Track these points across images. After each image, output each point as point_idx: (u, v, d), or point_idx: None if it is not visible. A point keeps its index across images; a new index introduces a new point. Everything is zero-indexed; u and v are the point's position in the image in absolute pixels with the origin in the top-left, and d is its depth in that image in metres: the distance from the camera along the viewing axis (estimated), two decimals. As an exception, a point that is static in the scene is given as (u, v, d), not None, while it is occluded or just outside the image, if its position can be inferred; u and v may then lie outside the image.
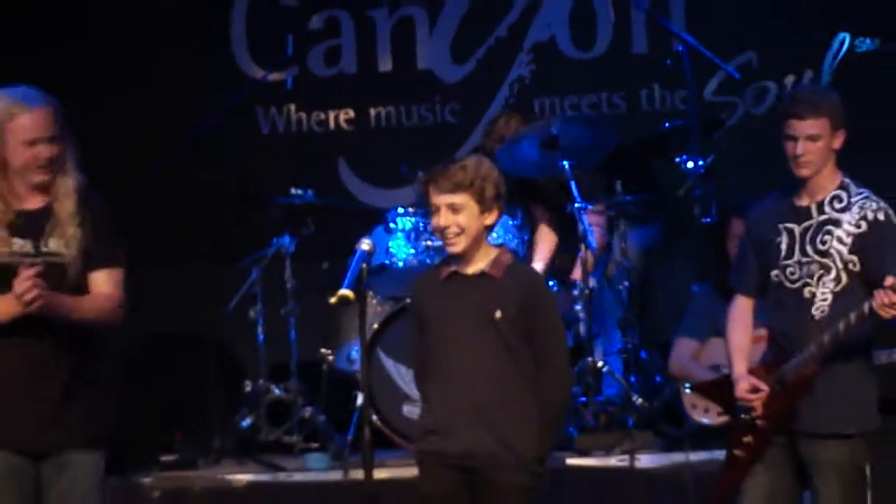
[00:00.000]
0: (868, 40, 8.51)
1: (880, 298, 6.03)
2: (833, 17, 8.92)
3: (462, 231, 5.91)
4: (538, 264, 8.62)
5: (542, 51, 9.73)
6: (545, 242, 8.70)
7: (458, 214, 5.90)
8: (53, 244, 6.11)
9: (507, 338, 5.91)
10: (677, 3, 9.64)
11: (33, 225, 6.11)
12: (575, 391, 8.26)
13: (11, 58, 8.56)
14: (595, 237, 8.45)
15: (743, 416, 6.42)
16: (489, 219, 5.96)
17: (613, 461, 8.01)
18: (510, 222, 8.51)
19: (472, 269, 5.99)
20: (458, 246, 5.92)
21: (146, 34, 9.70)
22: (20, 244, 6.07)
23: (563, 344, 6.20)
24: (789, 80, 9.07)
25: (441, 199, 5.91)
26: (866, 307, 6.08)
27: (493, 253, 6.06)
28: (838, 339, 6.16)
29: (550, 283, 8.45)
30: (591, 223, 8.47)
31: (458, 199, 5.90)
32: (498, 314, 5.90)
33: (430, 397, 6.06)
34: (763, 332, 6.52)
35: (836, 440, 6.28)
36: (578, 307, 8.50)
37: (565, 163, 8.46)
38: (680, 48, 8.89)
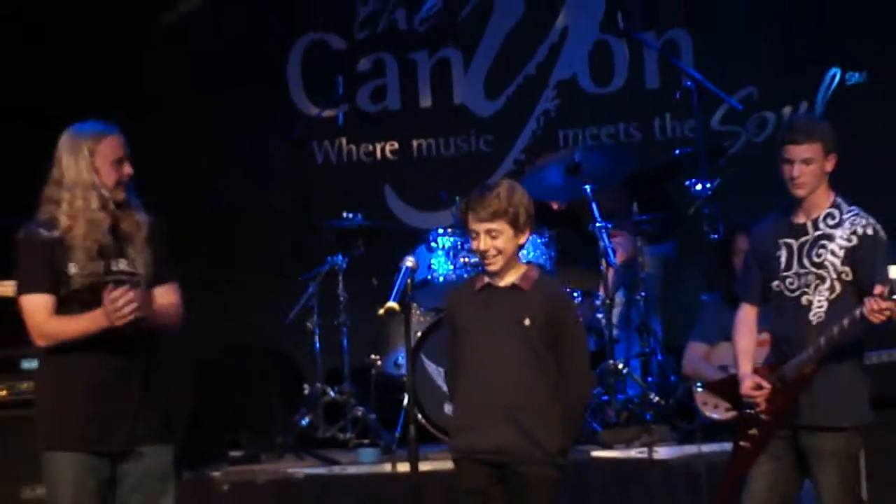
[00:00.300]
0: (856, 74, 8.50)
1: (870, 305, 6.03)
2: (825, 54, 8.91)
3: (500, 252, 5.92)
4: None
5: (565, 87, 9.72)
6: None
7: (496, 238, 5.91)
8: (130, 263, 6.11)
9: (534, 344, 5.89)
10: (685, 43, 9.62)
11: (110, 246, 6.10)
12: (598, 391, 8.31)
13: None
14: (616, 253, 8.45)
15: (748, 411, 6.41)
16: (522, 239, 5.97)
17: (633, 453, 7.98)
18: (538, 240, 8.48)
19: (504, 282, 5.99)
20: (496, 265, 5.93)
21: (212, 76, 9.70)
22: (105, 264, 6.07)
23: (585, 350, 6.19)
24: (786, 110, 9.06)
25: (480, 226, 5.92)
26: (858, 313, 6.08)
27: (523, 268, 6.06)
28: (833, 342, 6.16)
29: (575, 293, 8.44)
30: (613, 241, 8.48)
31: (496, 225, 5.91)
32: (527, 322, 5.89)
33: (461, 397, 6.06)
34: (766, 336, 6.51)
35: (833, 432, 6.26)
36: (600, 315, 8.48)
37: (587, 187, 8.46)
38: (688, 83, 8.80)
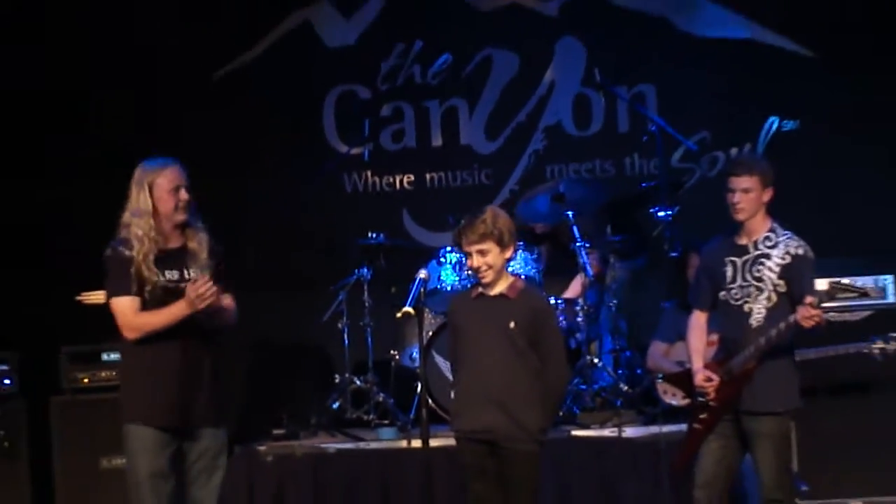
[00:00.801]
0: (791, 122, 8.51)
1: (802, 312, 6.10)
2: (766, 105, 8.91)
3: (490, 267, 5.97)
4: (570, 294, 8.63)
5: (551, 131, 9.69)
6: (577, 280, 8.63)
7: (486, 256, 5.96)
8: (193, 273, 6.18)
9: (518, 343, 5.92)
10: (651, 95, 9.59)
11: (176, 260, 6.19)
12: (577, 381, 8.28)
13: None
14: (591, 267, 8.44)
15: (700, 399, 6.45)
16: (508, 254, 6.01)
17: (606, 432, 7.94)
18: (529, 256, 8.50)
19: (494, 292, 6.03)
20: (487, 278, 5.98)
21: (262, 119, 9.71)
22: (171, 274, 6.16)
23: (562, 347, 6.21)
24: (733, 151, 9.05)
25: (472, 248, 5.98)
26: (792, 319, 6.15)
27: (511, 280, 6.11)
28: (771, 343, 6.22)
29: (557, 301, 8.43)
30: (590, 257, 8.48)
31: (484, 245, 5.96)
32: (512, 325, 5.93)
33: (459, 386, 6.08)
34: (715, 337, 6.57)
35: (770, 416, 6.31)
36: (580, 319, 8.45)
37: (569, 213, 8.47)
38: (653, 128, 8.73)
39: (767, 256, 6.31)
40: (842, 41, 9.18)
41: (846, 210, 8.84)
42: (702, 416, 6.44)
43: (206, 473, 6.30)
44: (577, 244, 8.39)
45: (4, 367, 8.50)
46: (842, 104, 9.08)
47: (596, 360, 8.45)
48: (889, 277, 7.98)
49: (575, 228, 8.43)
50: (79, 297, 6.70)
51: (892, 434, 7.92)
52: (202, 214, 6.34)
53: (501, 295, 6.04)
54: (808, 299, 6.10)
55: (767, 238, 6.35)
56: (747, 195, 6.32)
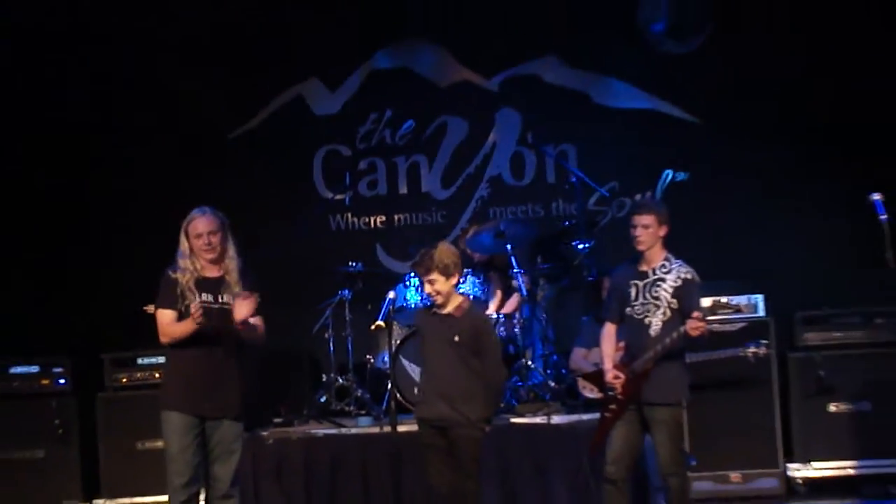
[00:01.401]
0: (682, 174, 8.52)
1: (690, 324, 6.18)
2: (662, 161, 8.94)
3: (439, 293, 6.06)
4: (491, 308, 8.57)
5: (494, 181, 9.66)
6: (497, 296, 8.67)
7: (434, 285, 6.05)
8: (226, 297, 6.27)
9: (462, 352, 6.03)
10: (572, 153, 9.55)
11: (213, 286, 6.29)
12: (515, 380, 8.27)
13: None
14: (525, 289, 8.42)
15: (611, 393, 6.49)
16: (453, 280, 6.11)
17: (538, 420, 7.91)
18: (477, 280, 8.54)
19: (444, 311, 6.13)
20: (438, 301, 6.11)
21: (264, 172, 9.67)
22: (206, 297, 6.25)
23: (499, 353, 6.31)
24: (637, 196, 9.01)
25: (424, 278, 6.07)
26: (682, 330, 6.22)
27: (458, 300, 6.19)
28: (666, 348, 6.28)
29: (499, 315, 8.45)
30: (524, 280, 8.48)
31: (432, 276, 6.07)
32: (457, 338, 6.03)
33: (421, 383, 6.23)
34: (622, 344, 6.59)
35: (665, 407, 6.38)
36: (516, 330, 8.45)
37: (508, 246, 8.45)
38: (573, 179, 8.87)
39: (663, 280, 6.37)
40: (720, 110, 9.20)
41: (724, 243, 8.84)
42: (612, 407, 6.47)
43: (225, 455, 6.34)
44: (514, 270, 8.38)
45: (60, 370, 8.48)
46: (721, 159, 9.09)
47: (530, 363, 8.42)
48: (759, 296, 8.02)
49: (513, 258, 8.41)
50: (144, 308, 6.78)
51: (761, 420, 7.99)
52: (241, 249, 6.46)
53: (449, 314, 6.13)
54: (695, 314, 6.18)
55: (663, 265, 6.41)
56: (647, 230, 6.39)
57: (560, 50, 9.49)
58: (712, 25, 9.12)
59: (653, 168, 8.92)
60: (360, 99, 9.75)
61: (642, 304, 6.39)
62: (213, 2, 9.32)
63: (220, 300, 6.30)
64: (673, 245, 6.52)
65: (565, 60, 9.52)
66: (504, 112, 9.70)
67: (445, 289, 6.12)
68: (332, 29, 9.46)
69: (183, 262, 6.30)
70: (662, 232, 6.42)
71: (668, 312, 6.32)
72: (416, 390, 6.36)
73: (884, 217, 6.14)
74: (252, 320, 6.28)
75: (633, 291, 6.44)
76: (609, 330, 6.61)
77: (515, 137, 9.66)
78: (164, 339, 6.29)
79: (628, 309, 6.45)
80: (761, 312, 8.02)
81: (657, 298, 6.35)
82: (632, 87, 9.49)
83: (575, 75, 9.52)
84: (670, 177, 8.45)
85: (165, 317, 6.27)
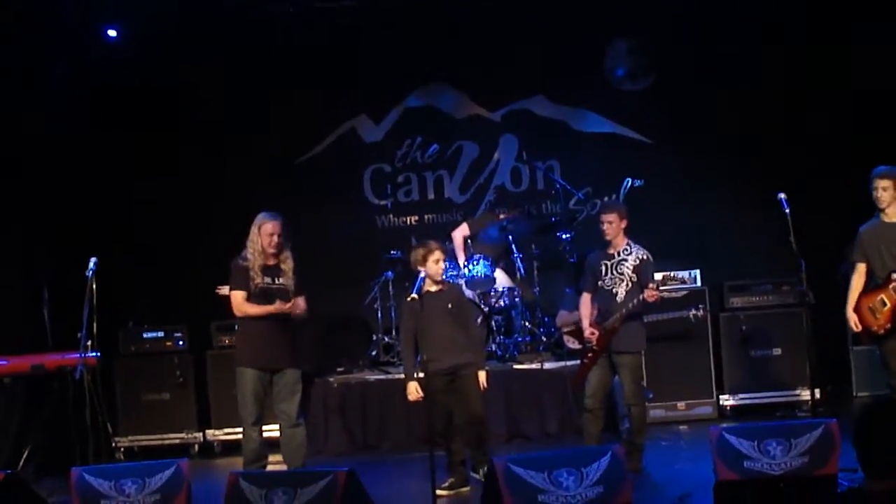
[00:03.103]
0: (638, 181, 8.47)
1: (646, 293, 6.19)
2: (624, 172, 8.73)
3: (428, 276, 6.11)
4: (499, 283, 8.35)
5: (498, 189, 9.58)
6: (501, 275, 8.59)
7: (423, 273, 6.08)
8: (282, 280, 6.24)
9: (455, 315, 6.08)
10: (557, 167, 9.52)
11: (272, 272, 6.23)
12: (517, 336, 8.27)
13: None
14: (523, 269, 8.45)
15: (588, 344, 6.48)
16: (422, 271, 6.15)
17: (534, 366, 7.99)
18: (487, 262, 8.37)
19: (434, 288, 6.18)
20: (439, 277, 6.14)
21: (326, 188, 9.51)
22: (268, 280, 6.21)
23: (474, 317, 6.45)
24: (605, 199, 8.85)
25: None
26: (641, 297, 6.23)
27: (444, 283, 6.29)
28: (629, 311, 6.27)
29: (505, 288, 8.28)
30: (521, 262, 8.50)
31: (420, 268, 6.10)
32: (450, 305, 6.09)
33: (425, 346, 6.05)
34: (596, 308, 6.55)
35: (629, 354, 6.38)
36: (517, 300, 8.39)
37: (510, 237, 8.50)
38: (558, 186, 8.94)
39: (626, 260, 6.40)
40: (666, 133, 9.24)
41: (671, 232, 8.76)
42: (589, 355, 6.50)
43: (289, 395, 6.25)
44: (515, 255, 8.44)
45: (179, 334, 8.52)
46: (668, 171, 9.08)
47: (527, 324, 8.46)
48: (697, 271, 8.10)
49: (513, 246, 8.47)
50: (217, 289, 6.71)
51: (699, 364, 8.05)
52: (291, 244, 6.34)
53: (440, 290, 6.20)
54: (651, 285, 6.24)
55: (626, 249, 6.44)
56: (612, 225, 6.43)
57: (546, 90, 9.53)
58: (655, 73, 9.26)
59: (616, 177, 8.83)
60: (397, 129, 9.72)
61: (611, 279, 6.42)
62: (297, 56, 9.23)
63: (276, 282, 6.26)
64: (632, 233, 6.56)
65: (550, 98, 9.55)
66: (506, 137, 9.67)
67: (430, 272, 6.19)
68: (376, 77, 9.46)
69: (252, 253, 6.20)
70: (624, 225, 6.46)
71: (630, 284, 6.36)
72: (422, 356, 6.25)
73: (787, 210, 6.21)
74: (299, 302, 6.26)
75: (603, 269, 6.47)
76: (586, 298, 6.61)
77: (514, 156, 9.63)
78: (238, 313, 6.22)
79: (600, 282, 6.47)
80: (699, 283, 8.07)
81: (622, 274, 6.39)
82: (600, 117, 9.50)
83: (557, 109, 9.54)
84: (630, 184, 8.42)
85: (239, 296, 6.19)
